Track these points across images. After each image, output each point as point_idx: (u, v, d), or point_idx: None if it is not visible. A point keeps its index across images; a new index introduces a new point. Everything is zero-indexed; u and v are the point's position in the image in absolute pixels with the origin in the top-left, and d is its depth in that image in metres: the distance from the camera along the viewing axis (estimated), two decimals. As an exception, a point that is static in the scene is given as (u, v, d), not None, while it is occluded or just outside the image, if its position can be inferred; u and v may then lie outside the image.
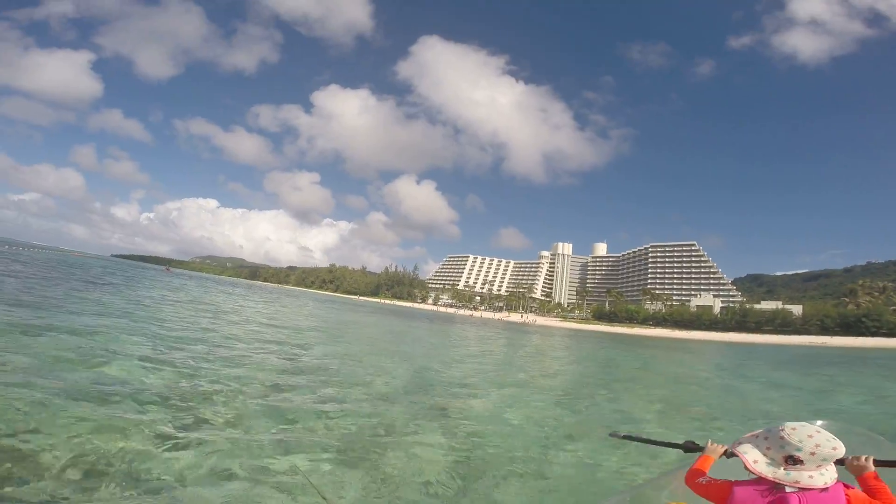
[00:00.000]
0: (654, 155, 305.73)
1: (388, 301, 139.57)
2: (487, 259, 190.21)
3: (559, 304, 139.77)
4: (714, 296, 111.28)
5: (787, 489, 1.48)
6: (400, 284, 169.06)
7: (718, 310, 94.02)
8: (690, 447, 1.98)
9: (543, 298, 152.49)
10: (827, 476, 1.48)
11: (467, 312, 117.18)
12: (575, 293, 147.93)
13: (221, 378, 6.56)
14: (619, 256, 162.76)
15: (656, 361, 22.26)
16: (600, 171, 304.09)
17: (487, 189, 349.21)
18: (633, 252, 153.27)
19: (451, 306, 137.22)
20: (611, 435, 2.66)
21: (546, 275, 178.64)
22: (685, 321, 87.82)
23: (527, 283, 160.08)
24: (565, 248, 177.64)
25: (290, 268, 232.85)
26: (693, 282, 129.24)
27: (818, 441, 1.49)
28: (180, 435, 4.14)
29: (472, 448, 4.89)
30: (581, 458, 4.91)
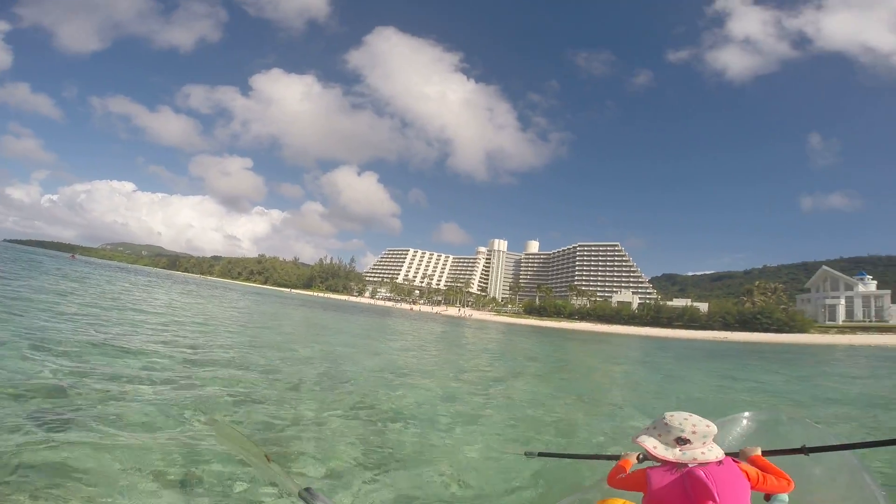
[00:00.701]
0: (589, 159, 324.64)
1: (321, 294, 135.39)
2: (428, 253, 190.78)
3: (494, 299, 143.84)
4: (633, 293, 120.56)
5: (689, 465, 1.71)
6: (335, 277, 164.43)
7: (636, 306, 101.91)
8: (612, 458, 2.27)
9: (479, 293, 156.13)
10: (715, 451, 1.75)
11: (406, 306, 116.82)
12: (508, 288, 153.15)
13: (105, 375, 5.83)
14: (550, 254, 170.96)
15: (577, 353, 23.57)
16: (539, 172, 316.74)
17: (431, 184, 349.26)
18: (563, 250, 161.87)
19: (388, 300, 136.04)
20: (526, 454, 2.68)
21: (482, 270, 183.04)
22: (607, 316, 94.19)
23: (464, 278, 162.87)
24: (501, 244, 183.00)
25: (215, 257, 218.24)
26: (615, 279, 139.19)
27: (694, 422, 1.77)
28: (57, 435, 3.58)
29: (380, 437, 4.76)
30: (486, 449, 4.96)
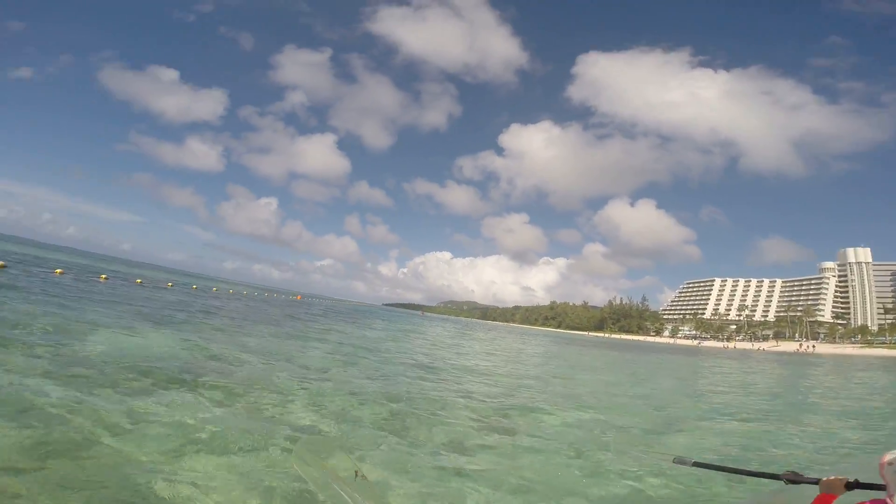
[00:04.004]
0: None
1: (614, 335, 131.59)
2: (742, 281, 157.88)
3: (863, 327, 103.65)
4: None
5: None
6: (627, 317, 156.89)
7: None
8: (793, 479, 1.76)
9: (834, 322, 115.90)
10: None
11: (717, 344, 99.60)
12: (884, 311, 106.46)
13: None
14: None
15: None
16: (887, 146, 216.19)
17: (725, 196, 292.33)
18: None
19: (694, 338, 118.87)
20: (676, 461, 2.22)
21: (836, 291, 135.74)
22: None
23: (804, 305, 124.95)
24: (861, 254, 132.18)
25: (515, 307, 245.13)
26: None
27: None
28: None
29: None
30: None
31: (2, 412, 3.78)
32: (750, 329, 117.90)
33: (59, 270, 20.88)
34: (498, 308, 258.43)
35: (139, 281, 27.78)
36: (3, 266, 13.93)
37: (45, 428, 3.62)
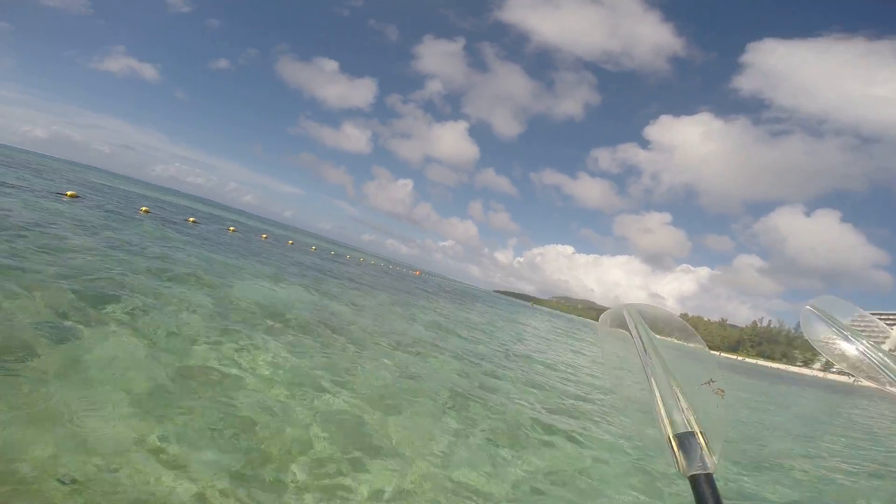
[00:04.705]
0: None
1: (749, 359, 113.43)
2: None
3: None
4: None
5: None
6: (772, 342, 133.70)
7: None
8: None
9: None
10: None
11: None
12: None
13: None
14: None
15: None
16: None
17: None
18: None
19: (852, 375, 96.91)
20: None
21: None
22: None
23: None
24: None
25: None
26: None
27: None
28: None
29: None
30: None
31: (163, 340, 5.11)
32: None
33: (231, 228, 25.74)
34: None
35: (290, 242, 32.80)
36: (147, 212, 17.84)
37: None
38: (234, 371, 4.47)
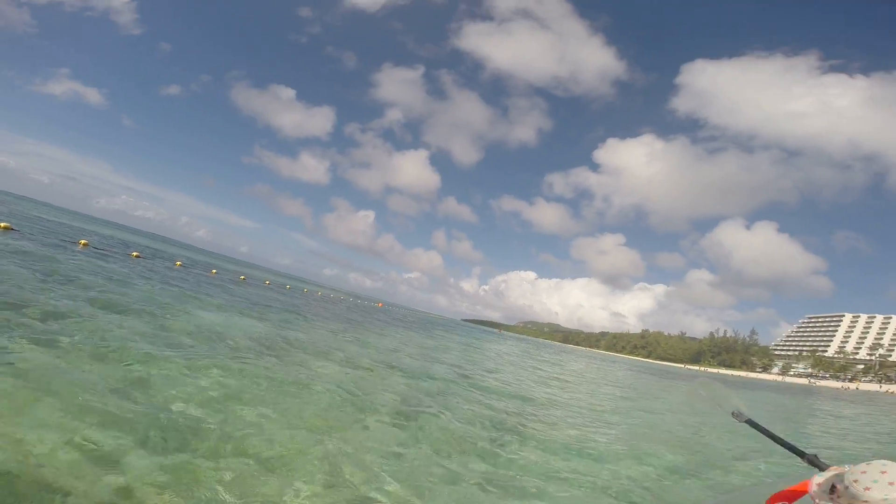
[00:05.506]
0: None
1: (711, 369, 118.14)
2: (879, 317, 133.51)
3: None
4: None
5: None
6: (730, 351, 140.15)
7: None
8: (813, 462, 1.74)
9: None
10: None
11: (835, 384, 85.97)
12: None
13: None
14: None
15: None
16: None
17: (866, 220, 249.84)
18: None
19: (808, 376, 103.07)
20: (733, 415, 2.25)
21: None
22: None
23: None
24: None
25: (602, 333, 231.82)
26: None
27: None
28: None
29: None
30: None
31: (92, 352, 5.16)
32: (882, 370, 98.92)
33: (178, 262, 24.96)
34: (582, 332, 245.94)
35: (242, 278, 31.85)
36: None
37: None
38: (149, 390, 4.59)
